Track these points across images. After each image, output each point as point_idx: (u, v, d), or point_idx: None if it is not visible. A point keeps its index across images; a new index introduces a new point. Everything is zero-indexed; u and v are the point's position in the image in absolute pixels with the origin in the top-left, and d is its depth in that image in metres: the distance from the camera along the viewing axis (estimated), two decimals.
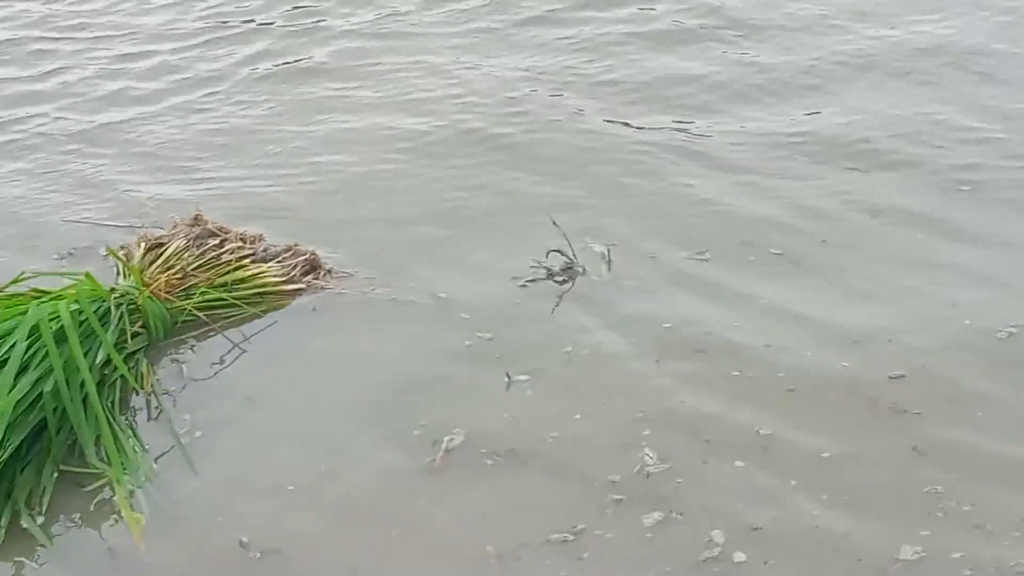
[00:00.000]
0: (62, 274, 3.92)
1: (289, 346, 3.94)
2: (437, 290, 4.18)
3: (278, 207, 4.81)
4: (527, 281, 4.20)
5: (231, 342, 3.94)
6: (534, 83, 5.86)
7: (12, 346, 3.35)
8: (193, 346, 3.92)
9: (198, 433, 3.56)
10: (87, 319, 3.55)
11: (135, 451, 3.41)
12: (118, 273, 4.06)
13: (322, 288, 4.21)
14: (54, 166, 5.34)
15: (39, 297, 3.64)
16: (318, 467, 3.41)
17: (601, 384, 3.65)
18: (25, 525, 3.15)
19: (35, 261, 4.18)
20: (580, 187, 4.82)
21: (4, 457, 3.17)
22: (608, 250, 4.26)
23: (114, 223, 4.61)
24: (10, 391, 3.24)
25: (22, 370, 3.32)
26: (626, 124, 5.37)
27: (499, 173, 5.00)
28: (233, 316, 4.02)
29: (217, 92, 6.01)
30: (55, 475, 3.30)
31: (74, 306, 3.55)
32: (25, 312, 3.48)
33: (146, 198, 4.87)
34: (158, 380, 3.73)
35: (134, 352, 3.74)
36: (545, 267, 4.22)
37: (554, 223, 4.29)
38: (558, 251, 4.22)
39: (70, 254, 4.39)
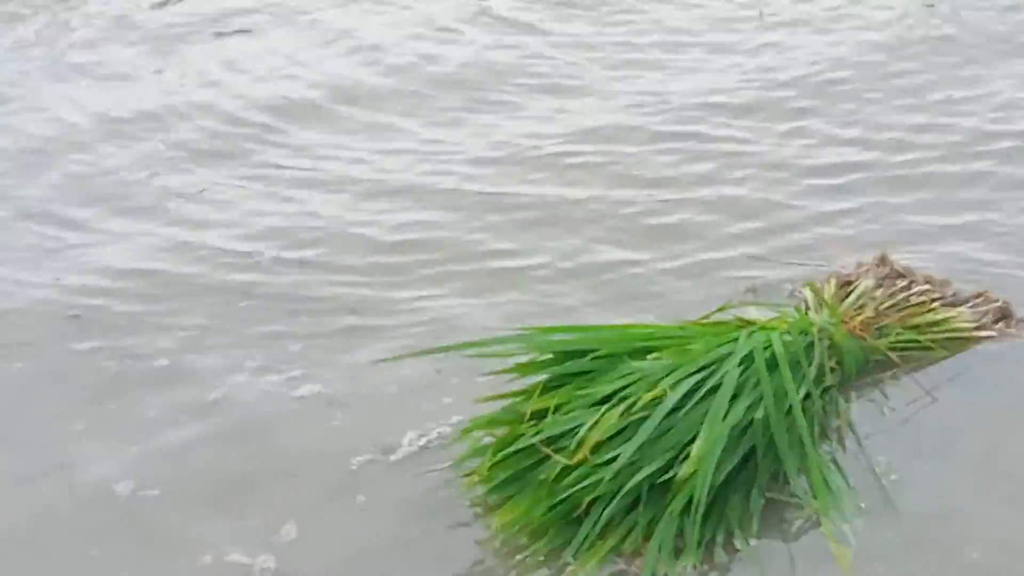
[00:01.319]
0: (771, 305, 3.99)
1: (980, 396, 3.78)
2: None
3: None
4: None
5: (921, 387, 3.83)
6: None
7: (724, 373, 3.44)
8: (883, 387, 3.84)
9: (893, 476, 3.49)
10: (795, 350, 3.59)
11: (838, 486, 3.40)
12: (807, 309, 4.07)
13: (1014, 338, 4.02)
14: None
15: (743, 327, 3.73)
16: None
17: None
18: (739, 546, 3.23)
19: (722, 294, 4.29)
20: None
21: (720, 481, 3.26)
22: None
23: (795, 261, 4.64)
24: (724, 417, 3.34)
25: (734, 397, 3.41)
26: None
27: None
28: (921, 360, 3.92)
29: None
30: (762, 501, 3.35)
31: (786, 337, 3.60)
32: (734, 340, 3.59)
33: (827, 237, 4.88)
34: (852, 419, 3.71)
35: (828, 388, 3.74)
36: None
37: None
38: None
39: (754, 289, 4.48)
